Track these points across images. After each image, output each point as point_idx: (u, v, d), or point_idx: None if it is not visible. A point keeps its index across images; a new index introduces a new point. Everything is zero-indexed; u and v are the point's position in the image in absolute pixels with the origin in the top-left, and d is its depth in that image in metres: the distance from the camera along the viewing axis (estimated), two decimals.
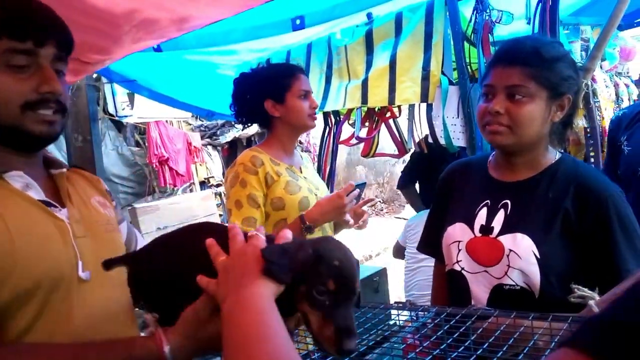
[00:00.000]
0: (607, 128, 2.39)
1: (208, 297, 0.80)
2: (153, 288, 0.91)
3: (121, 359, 0.83)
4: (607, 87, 2.72)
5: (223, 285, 0.76)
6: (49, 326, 0.94)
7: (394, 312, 1.22)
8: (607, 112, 2.56)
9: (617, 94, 2.97)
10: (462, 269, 1.39)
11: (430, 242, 1.58)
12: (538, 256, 1.26)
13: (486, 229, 1.36)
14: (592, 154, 2.40)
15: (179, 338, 0.82)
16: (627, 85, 3.17)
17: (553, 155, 1.39)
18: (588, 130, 2.40)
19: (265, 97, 1.97)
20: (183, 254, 0.89)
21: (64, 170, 1.11)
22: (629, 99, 3.12)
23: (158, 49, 2.52)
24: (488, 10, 2.25)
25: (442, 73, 2.40)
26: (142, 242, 1.31)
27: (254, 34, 2.64)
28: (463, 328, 1.00)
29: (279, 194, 1.89)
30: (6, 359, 0.82)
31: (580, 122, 2.40)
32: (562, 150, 1.45)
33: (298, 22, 2.51)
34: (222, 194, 7.82)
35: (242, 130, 2.80)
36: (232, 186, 1.92)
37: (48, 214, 0.99)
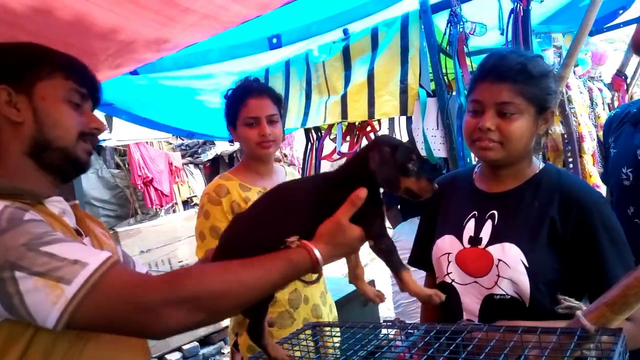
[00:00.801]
0: (583, 134, 2.43)
1: (348, 207, 1.02)
2: None
3: (283, 265, 0.98)
4: (581, 92, 2.77)
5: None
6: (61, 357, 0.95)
7: (383, 330, 1.20)
8: (582, 118, 2.61)
9: (591, 99, 3.04)
10: (453, 280, 1.39)
11: (421, 256, 1.58)
12: (527, 265, 1.26)
13: (475, 240, 1.37)
14: (570, 159, 2.44)
15: (322, 244, 1.02)
16: (600, 90, 3.24)
17: (537, 165, 1.40)
18: (565, 136, 2.44)
19: (227, 122, 1.95)
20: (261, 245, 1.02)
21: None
22: (602, 103, 3.18)
23: (134, 72, 2.49)
24: (462, 23, 2.28)
25: (420, 85, 2.42)
26: (137, 265, 1.34)
27: (230, 53, 2.63)
28: (453, 345, 0.99)
29: None
30: (216, 269, 0.97)
31: (558, 128, 2.44)
32: (541, 157, 1.46)
33: (275, 40, 2.51)
34: None
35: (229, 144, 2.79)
36: (197, 217, 1.89)
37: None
